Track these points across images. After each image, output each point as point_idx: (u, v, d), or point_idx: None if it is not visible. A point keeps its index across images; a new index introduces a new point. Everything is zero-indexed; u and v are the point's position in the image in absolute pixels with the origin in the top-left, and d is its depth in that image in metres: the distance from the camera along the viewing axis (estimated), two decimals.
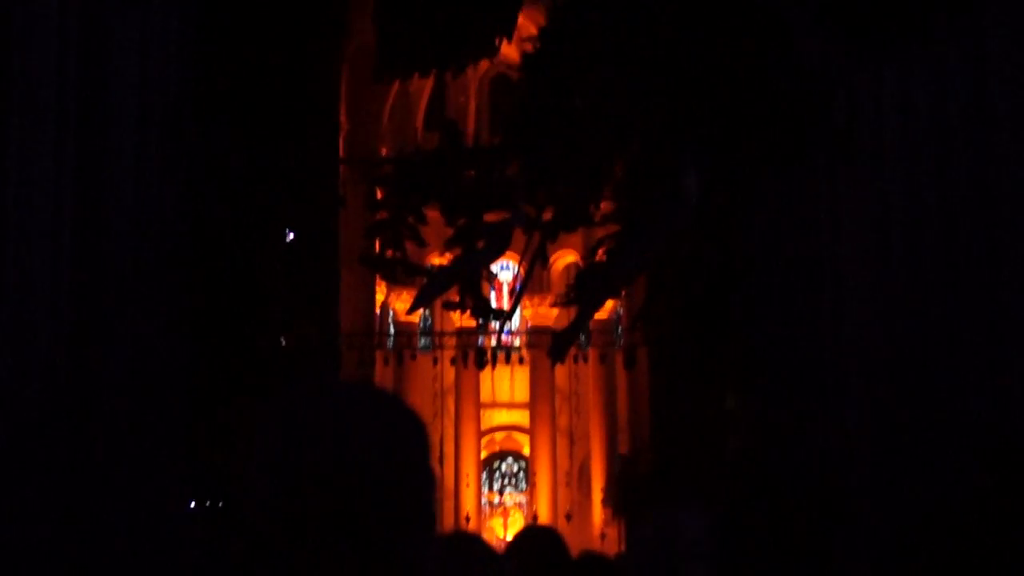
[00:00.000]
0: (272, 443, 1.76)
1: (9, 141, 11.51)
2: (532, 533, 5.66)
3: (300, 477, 1.71)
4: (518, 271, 36.16)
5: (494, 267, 30.48)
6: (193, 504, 15.37)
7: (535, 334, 36.71)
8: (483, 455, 42.57)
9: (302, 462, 1.72)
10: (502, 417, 43.25)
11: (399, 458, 1.77)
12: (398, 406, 1.84)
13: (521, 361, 36.40)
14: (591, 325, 24.37)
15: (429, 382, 38.49)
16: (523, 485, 43.22)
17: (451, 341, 34.01)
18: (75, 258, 11.77)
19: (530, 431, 41.34)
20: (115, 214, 12.33)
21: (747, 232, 14.99)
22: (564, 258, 37.72)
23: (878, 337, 13.95)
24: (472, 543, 3.84)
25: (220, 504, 16.29)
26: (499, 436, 43.79)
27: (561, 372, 38.24)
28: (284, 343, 20.07)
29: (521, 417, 42.22)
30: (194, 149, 14.51)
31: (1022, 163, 13.12)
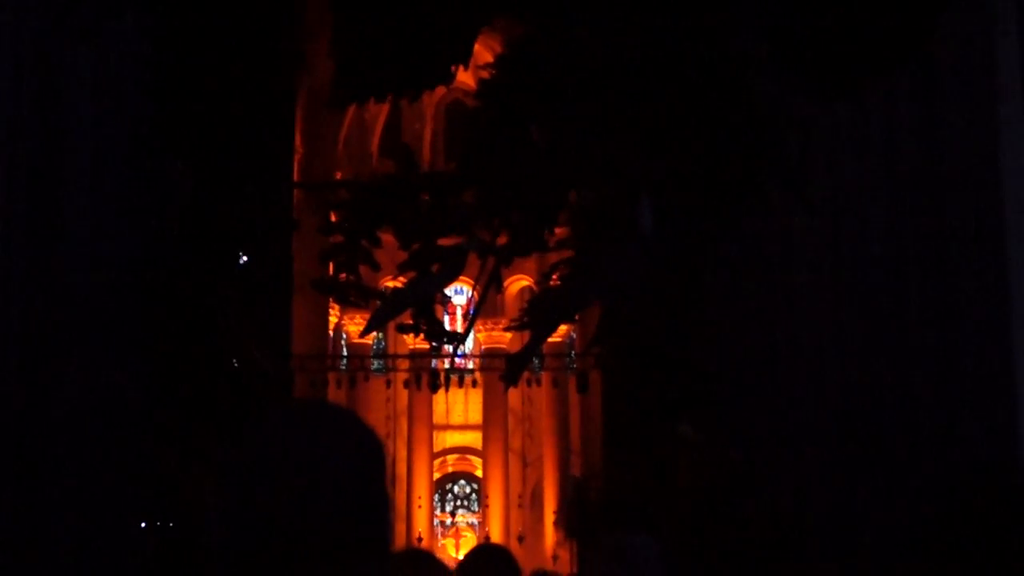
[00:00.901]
0: (240, 468, 1.79)
1: None
2: (484, 551, 5.74)
3: (266, 498, 1.74)
4: (472, 295, 36.17)
5: (448, 291, 30.49)
6: (144, 524, 15.29)
7: (488, 357, 36.71)
8: (436, 477, 42.50)
9: (269, 486, 1.75)
10: (455, 439, 43.24)
11: (359, 478, 1.81)
12: (358, 425, 1.87)
13: (474, 384, 36.40)
14: (544, 349, 24.42)
15: (382, 404, 38.38)
16: (475, 507, 43.19)
17: (404, 364, 33.92)
18: (27, 282, 11.74)
19: (483, 453, 41.32)
20: (68, 238, 12.32)
21: (703, 262, 15.15)
22: (518, 282, 37.84)
23: (832, 366, 14.14)
24: (426, 559, 3.94)
25: (171, 524, 16.23)
26: (452, 458, 43.75)
27: (514, 395, 38.27)
28: (236, 365, 20.04)
29: (474, 439, 42.21)
30: (149, 173, 14.52)
31: (972, 199, 13.37)
